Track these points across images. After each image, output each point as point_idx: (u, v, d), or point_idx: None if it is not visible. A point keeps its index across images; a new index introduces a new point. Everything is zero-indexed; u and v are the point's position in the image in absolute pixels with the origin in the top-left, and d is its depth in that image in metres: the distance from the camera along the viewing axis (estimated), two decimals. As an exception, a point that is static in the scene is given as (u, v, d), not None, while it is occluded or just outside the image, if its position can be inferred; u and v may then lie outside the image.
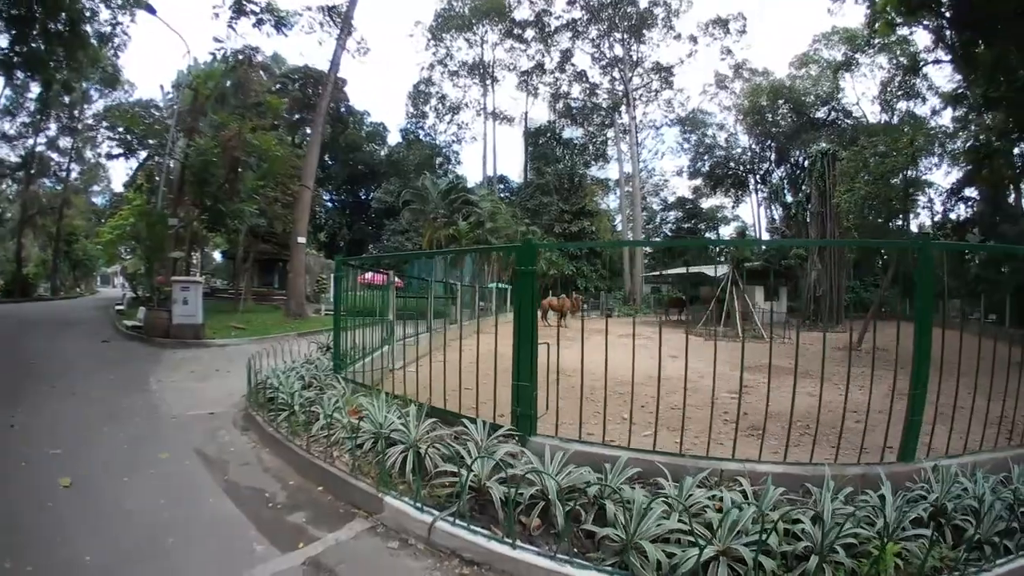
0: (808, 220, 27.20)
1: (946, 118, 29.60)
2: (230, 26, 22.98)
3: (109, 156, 33.85)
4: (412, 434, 4.58)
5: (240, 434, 5.93)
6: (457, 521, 3.47)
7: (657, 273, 40.12)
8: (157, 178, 22.25)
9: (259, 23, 23.64)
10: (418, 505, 3.68)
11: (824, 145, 27.05)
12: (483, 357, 4.84)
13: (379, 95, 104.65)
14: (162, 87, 34.96)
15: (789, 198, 39.90)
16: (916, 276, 4.31)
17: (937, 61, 28.20)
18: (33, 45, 19.47)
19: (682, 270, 33.70)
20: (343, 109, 44.65)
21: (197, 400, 7.33)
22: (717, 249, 42.01)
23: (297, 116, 38.61)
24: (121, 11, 19.65)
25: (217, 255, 38.61)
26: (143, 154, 30.65)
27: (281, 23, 24.26)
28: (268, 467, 4.99)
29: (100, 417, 6.20)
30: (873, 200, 17.89)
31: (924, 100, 32.75)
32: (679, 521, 3.14)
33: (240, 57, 24.29)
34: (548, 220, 39.42)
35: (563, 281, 35.32)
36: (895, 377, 4.23)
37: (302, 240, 20.46)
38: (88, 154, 39.59)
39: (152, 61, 73.58)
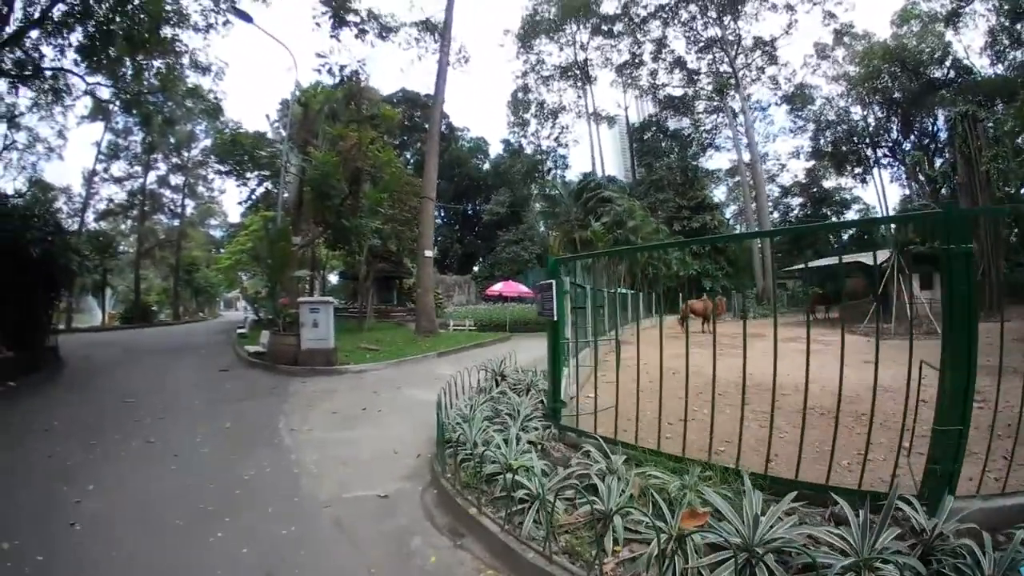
0: (957, 192, 22.32)
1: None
2: (333, 36, 22.01)
3: (219, 172, 33.90)
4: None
5: (452, 546, 3.15)
6: None
7: (797, 267, 34.98)
8: (274, 202, 21.49)
9: (362, 33, 22.48)
10: None
11: (963, 107, 22.01)
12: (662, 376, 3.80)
13: (476, 110, 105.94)
14: (268, 116, 35.56)
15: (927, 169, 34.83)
16: None
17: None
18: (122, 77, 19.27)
19: (829, 261, 28.64)
20: (444, 127, 43.85)
21: (352, 464, 4.76)
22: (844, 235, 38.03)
23: (397, 141, 38.12)
24: (214, 12, 18.51)
25: (332, 277, 38.26)
26: (254, 184, 30.90)
27: (386, 31, 23.00)
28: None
29: (211, 506, 3.70)
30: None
31: (1031, 45, 29.86)
32: None
33: (348, 72, 23.28)
34: (666, 216, 35.93)
35: (689, 283, 31.37)
36: None
37: (429, 254, 18.38)
38: (201, 189, 40.94)
39: (253, 97, 78.85)
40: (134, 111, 21.76)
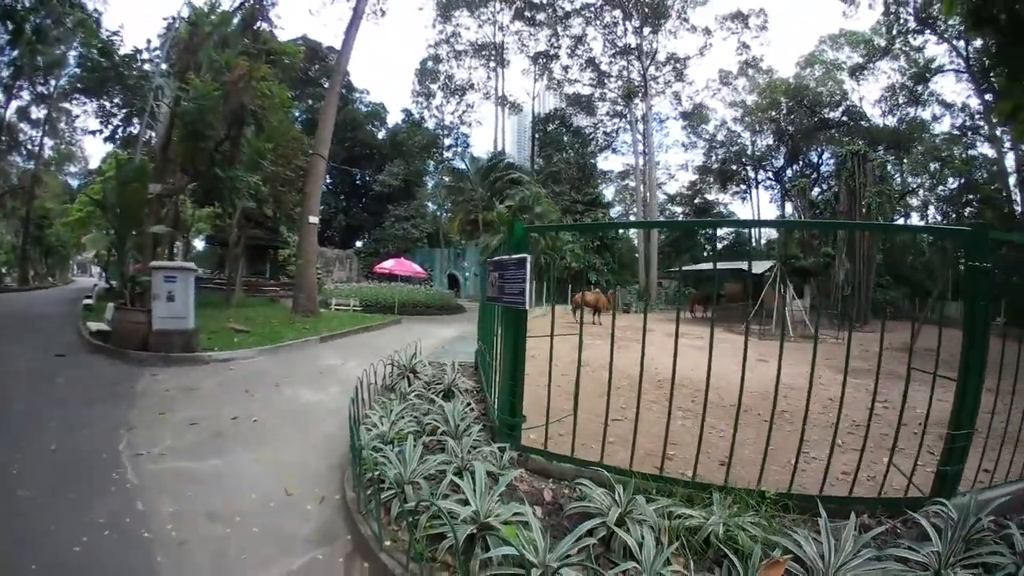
0: (837, 218, 26.13)
1: (945, 124, 35.00)
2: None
3: (81, 94, 28.56)
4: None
5: None
6: None
7: (681, 268, 37.68)
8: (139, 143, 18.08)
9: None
10: None
11: (855, 146, 25.80)
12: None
13: (378, 77, 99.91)
14: (148, 41, 29.64)
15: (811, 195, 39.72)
16: None
17: (938, 70, 32.08)
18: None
19: (725, 265, 30.96)
20: (342, 86, 40.64)
21: (227, 519, 3.53)
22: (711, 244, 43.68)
23: (292, 94, 34.68)
24: None
25: (197, 243, 33.78)
26: (119, 119, 26.15)
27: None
28: None
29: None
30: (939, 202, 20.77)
31: (924, 106, 36.09)
32: None
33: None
34: (560, 208, 36.59)
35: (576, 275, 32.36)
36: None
37: (314, 220, 16.48)
38: (63, 127, 34.51)
39: (138, 22, 67.90)
40: (8, 23, 17.13)
